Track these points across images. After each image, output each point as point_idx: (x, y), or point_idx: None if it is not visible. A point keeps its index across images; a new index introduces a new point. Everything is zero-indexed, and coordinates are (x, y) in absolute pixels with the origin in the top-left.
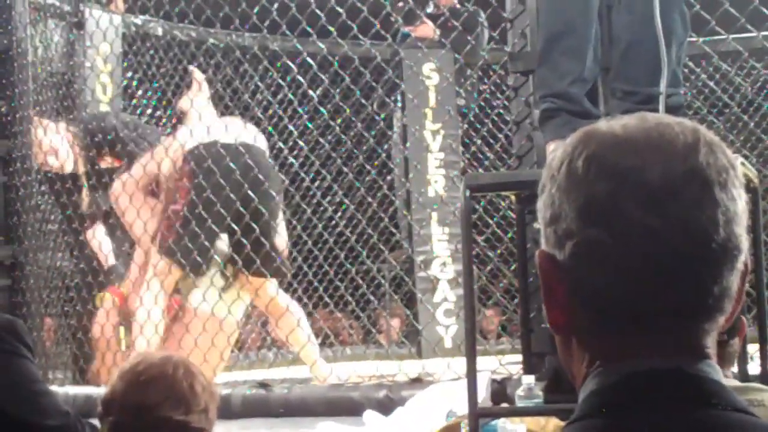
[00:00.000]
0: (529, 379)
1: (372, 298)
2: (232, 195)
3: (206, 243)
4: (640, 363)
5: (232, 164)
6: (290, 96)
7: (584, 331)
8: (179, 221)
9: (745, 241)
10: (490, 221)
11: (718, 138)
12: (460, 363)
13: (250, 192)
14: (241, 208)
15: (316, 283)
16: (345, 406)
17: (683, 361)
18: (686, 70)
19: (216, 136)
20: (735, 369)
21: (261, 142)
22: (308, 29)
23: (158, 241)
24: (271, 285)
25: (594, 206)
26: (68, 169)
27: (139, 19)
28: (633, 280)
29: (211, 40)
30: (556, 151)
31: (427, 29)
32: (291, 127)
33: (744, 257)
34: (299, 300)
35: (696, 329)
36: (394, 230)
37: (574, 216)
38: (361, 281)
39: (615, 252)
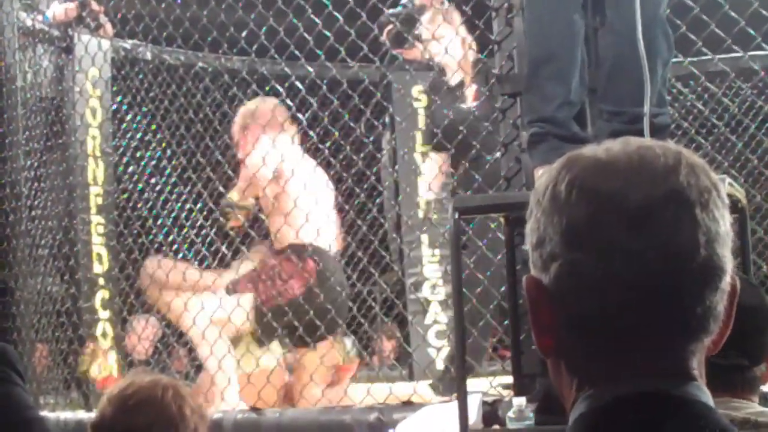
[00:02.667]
0: (520, 401)
1: (362, 321)
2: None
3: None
4: (626, 386)
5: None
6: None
7: (572, 354)
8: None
9: (729, 262)
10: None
11: (702, 160)
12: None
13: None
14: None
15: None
16: (336, 429)
17: (669, 383)
18: (674, 91)
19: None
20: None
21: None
22: (296, 53)
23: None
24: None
25: (576, 229)
26: None
27: (127, 44)
28: (616, 302)
29: (200, 64)
30: (542, 176)
31: (416, 51)
32: None
33: (728, 277)
34: None
35: (681, 350)
36: (384, 253)
37: (557, 240)
38: (351, 304)
39: (597, 274)
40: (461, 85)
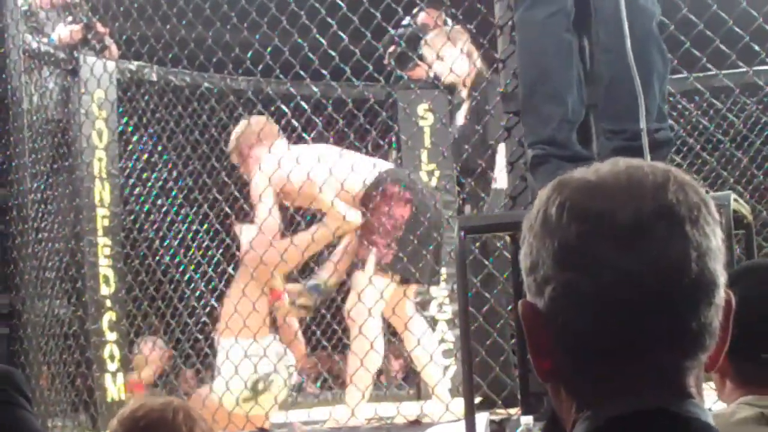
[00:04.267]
0: (528, 420)
1: None
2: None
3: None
4: (624, 405)
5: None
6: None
7: (570, 376)
8: (396, 240)
9: (721, 276)
10: (486, 262)
11: (690, 177)
12: (459, 404)
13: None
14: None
15: (313, 327)
16: None
17: (667, 401)
18: (680, 107)
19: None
20: None
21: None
22: (302, 73)
23: (374, 259)
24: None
25: (567, 250)
26: None
27: (133, 65)
28: (610, 321)
29: (206, 85)
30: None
31: (420, 71)
32: None
33: (722, 292)
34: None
35: (677, 368)
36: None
37: (550, 262)
38: None
39: (590, 294)
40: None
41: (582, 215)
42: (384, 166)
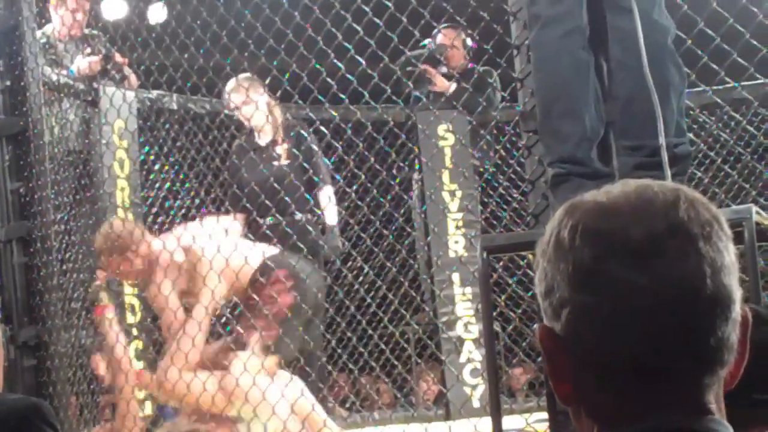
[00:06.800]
0: None
1: (396, 362)
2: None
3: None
4: (644, 425)
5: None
6: (305, 164)
7: (590, 398)
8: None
9: (737, 291)
10: (509, 281)
11: (701, 195)
12: (488, 423)
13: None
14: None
15: (339, 350)
16: None
17: (687, 419)
18: (700, 120)
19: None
20: None
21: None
22: (320, 97)
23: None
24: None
25: (582, 272)
26: None
27: (152, 94)
28: (626, 340)
29: (226, 112)
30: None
31: (442, 83)
32: (307, 195)
33: (738, 307)
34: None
35: (696, 384)
36: (414, 294)
37: (564, 285)
38: (384, 346)
39: (607, 314)
40: (273, 143)
41: (595, 237)
42: (269, 252)
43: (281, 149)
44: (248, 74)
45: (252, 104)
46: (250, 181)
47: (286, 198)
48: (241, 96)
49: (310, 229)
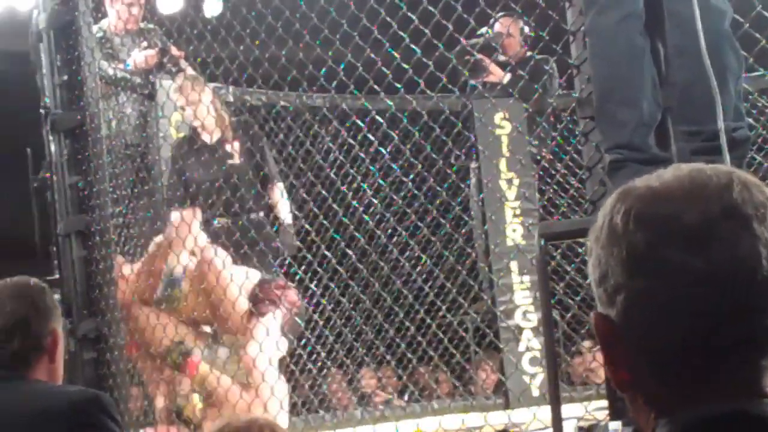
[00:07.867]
0: (616, 425)
1: (454, 351)
2: None
3: None
4: (703, 410)
5: None
6: (361, 155)
7: (647, 385)
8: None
9: None
10: (568, 268)
11: (755, 177)
12: (547, 412)
13: None
14: None
15: (398, 339)
16: None
17: (745, 402)
18: (760, 105)
19: None
20: None
21: None
22: (376, 87)
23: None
24: None
25: (636, 257)
26: None
27: (209, 87)
28: (684, 325)
29: (282, 103)
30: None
31: (498, 72)
32: (365, 185)
33: None
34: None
35: (755, 367)
36: (472, 282)
37: (619, 271)
38: (443, 335)
39: (662, 298)
40: (223, 142)
41: (648, 221)
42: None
43: (231, 147)
44: (193, 72)
45: (201, 105)
46: (204, 179)
47: (246, 196)
48: (190, 95)
49: (267, 227)
